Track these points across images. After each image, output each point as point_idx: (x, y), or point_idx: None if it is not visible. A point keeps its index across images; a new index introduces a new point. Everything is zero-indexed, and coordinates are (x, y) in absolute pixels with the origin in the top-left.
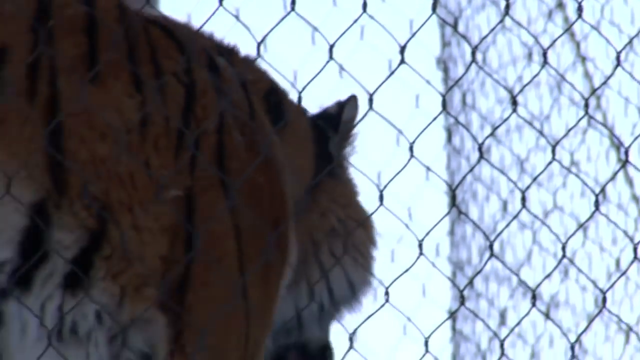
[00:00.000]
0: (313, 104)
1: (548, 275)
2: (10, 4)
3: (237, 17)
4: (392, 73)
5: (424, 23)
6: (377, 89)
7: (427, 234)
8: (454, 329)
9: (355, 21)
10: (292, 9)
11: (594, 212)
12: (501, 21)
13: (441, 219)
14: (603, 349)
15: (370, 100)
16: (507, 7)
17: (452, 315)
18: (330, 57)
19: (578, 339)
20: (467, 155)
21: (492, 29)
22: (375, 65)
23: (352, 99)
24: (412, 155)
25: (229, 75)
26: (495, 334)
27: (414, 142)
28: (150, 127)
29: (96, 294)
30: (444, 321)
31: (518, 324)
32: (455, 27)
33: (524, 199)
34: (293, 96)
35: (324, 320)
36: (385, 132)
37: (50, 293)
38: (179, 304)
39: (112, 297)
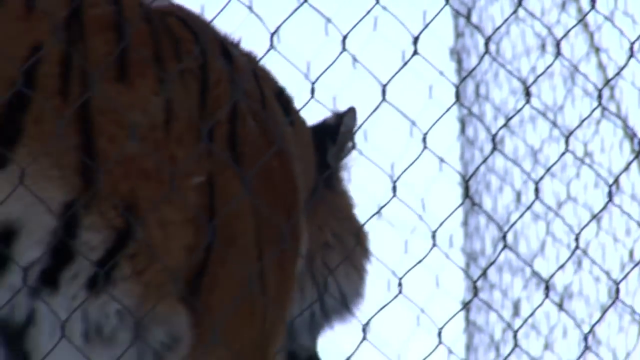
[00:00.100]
0: (326, 95)
1: (561, 266)
2: (44, 1)
3: (250, 8)
4: (405, 64)
5: (438, 14)
6: (390, 80)
7: (441, 224)
8: (467, 319)
9: (369, 12)
10: (305, 0)
11: (607, 203)
12: (515, 12)
13: (454, 210)
14: (617, 339)
15: (384, 92)
16: None
17: (466, 306)
18: (344, 48)
19: (591, 330)
20: (480, 146)
21: (506, 20)
22: (389, 56)
23: (351, 111)
24: (425, 146)
25: (242, 64)
26: (509, 325)
27: (427, 133)
28: (174, 123)
29: (120, 293)
30: (457, 312)
31: (531, 314)
32: (468, 17)
33: (537, 190)
34: (306, 87)
35: (314, 330)
36: (398, 123)
37: (75, 293)
38: (200, 289)
39: (136, 295)
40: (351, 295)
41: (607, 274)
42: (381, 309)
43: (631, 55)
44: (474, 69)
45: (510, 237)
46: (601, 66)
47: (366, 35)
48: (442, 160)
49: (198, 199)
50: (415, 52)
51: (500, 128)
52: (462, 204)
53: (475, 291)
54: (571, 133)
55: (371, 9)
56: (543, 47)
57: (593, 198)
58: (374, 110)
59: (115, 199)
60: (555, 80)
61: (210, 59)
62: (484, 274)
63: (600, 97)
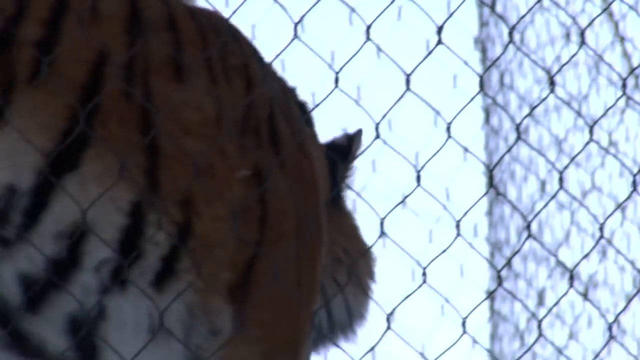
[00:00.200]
0: (350, 85)
1: (586, 256)
2: (107, 5)
3: None
4: (429, 53)
5: (462, 3)
6: (414, 69)
7: (465, 214)
8: (492, 309)
9: (393, 1)
10: None
11: (632, 192)
12: (539, 1)
13: (479, 200)
14: None
15: (408, 81)
16: None
17: (490, 295)
18: (368, 38)
19: (616, 319)
20: (505, 135)
21: (530, 9)
22: (413, 45)
23: (359, 133)
24: (449, 136)
25: (269, 68)
26: (534, 315)
27: (451, 122)
28: (223, 119)
29: (181, 288)
30: (482, 301)
31: (556, 304)
32: (493, 7)
33: (561, 179)
34: (330, 77)
35: (319, 344)
36: (422, 112)
37: (143, 289)
38: (247, 282)
39: (196, 289)
40: (357, 314)
41: (632, 263)
42: (405, 298)
43: None
44: (498, 58)
45: (534, 227)
46: (626, 55)
47: (390, 24)
48: (466, 149)
49: (247, 193)
50: (439, 42)
51: (525, 117)
52: (486, 193)
53: (500, 280)
54: (596, 122)
55: None
56: (567, 36)
57: (618, 187)
58: (398, 100)
59: (176, 195)
60: (580, 69)
61: (249, 57)
62: (508, 263)
63: (624, 86)
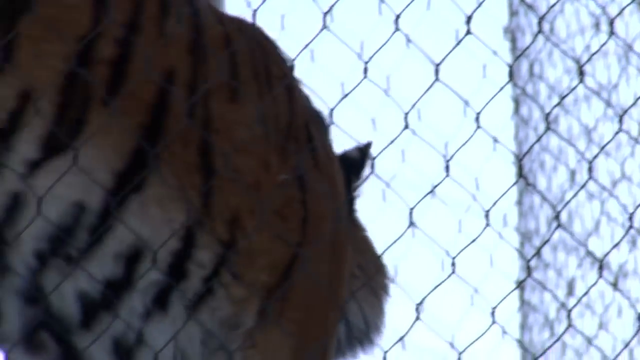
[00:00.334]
0: (379, 75)
1: (616, 245)
2: (172, 26)
3: None
4: (458, 43)
5: None
6: (443, 59)
7: (494, 204)
8: (522, 299)
9: None
10: None
11: None
12: None
13: (508, 189)
14: None
15: (437, 71)
16: None
17: (519, 285)
18: (397, 28)
19: None
20: (534, 125)
21: None
22: (442, 35)
23: (369, 146)
24: (478, 126)
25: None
26: (563, 304)
27: (480, 112)
28: (270, 134)
29: (218, 304)
30: (511, 291)
31: (586, 293)
32: None
33: (591, 169)
34: (359, 67)
35: (338, 356)
36: (451, 102)
37: (181, 312)
38: (285, 281)
39: (233, 300)
40: (374, 326)
41: None
42: (434, 288)
43: None
44: (527, 47)
45: (564, 216)
46: None
47: (419, 14)
48: (495, 139)
49: (289, 196)
50: (468, 32)
51: (554, 107)
52: (515, 183)
53: (529, 270)
54: (625, 112)
55: None
56: (597, 25)
57: None
58: (427, 90)
59: (225, 214)
60: (610, 59)
61: (288, 68)
62: (537, 253)
63: None
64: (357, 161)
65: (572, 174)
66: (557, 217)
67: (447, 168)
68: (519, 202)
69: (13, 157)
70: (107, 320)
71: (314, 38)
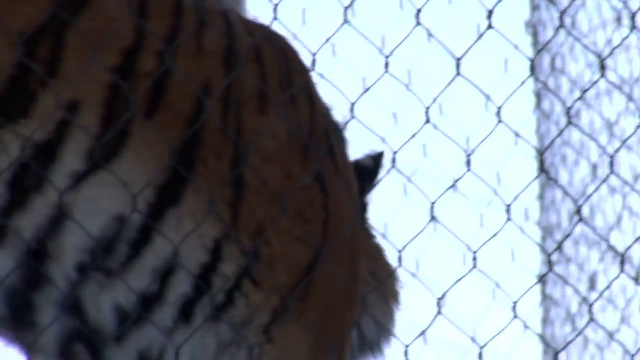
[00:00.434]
0: (400, 70)
1: (638, 239)
2: (208, 39)
3: None
4: (479, 37)
5: None
6: (465, 54)
7: (516, 198)
8: (544, 293)
9: None
10: None
11: None
12: None
13: (530, 184)
14: None
15: (458, 66)
16: None
17: (541, 280)
18: (418, 22)
19: None
20: (556, 119)
21: None
22: (463, 30)
23: (382, 155)
24: (500, 120)
25: None
26: (585, 299)
27: (501, 107)
28: (293, 142)
29: (237, 313)
30: (533, 286)
31: (607, 288)
32: None
33: (612, 164)
34: (380, 62)
35: None
36: (473, 97)
37: (201, 324)
38: (305, 282)
39: (250, 307)
40: (385, 332)
41: None
42: (456, 283)
43: None
44: (549, 42)
45: (586, 211)
46: None
47: (441, 8)
48: (517, 134)
49: (312, 200)
50: (489, 26)
51: (576, 101)
52: (537, 177)
53: (551, 265)
54: None
55: None
56: (619, 20)
57: None
58: (448, 85)
59: (251, 226)
60: (632, 53)
61: (309, 76)
62: (559, 247)
63: None
64: (370, 169)
65: (594, 168)
66: (578, 211)
67: (468, 162)
68: (541, 197)
69: (59, 169)
70: (137, 333)
71: (335, 33)
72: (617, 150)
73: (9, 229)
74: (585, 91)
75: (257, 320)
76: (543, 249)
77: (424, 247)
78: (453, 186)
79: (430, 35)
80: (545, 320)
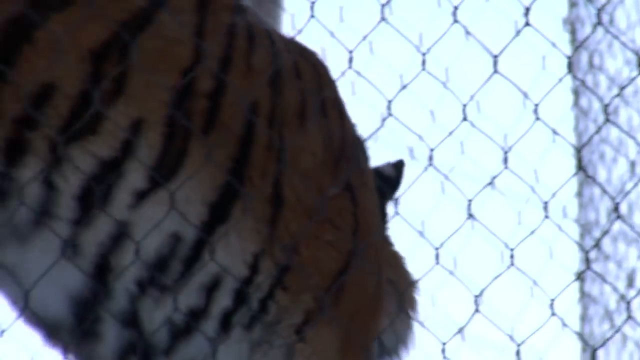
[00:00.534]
0: (437, 67)
1: None
2: (257, 58)
3: None
4: (517, 34)
5: None
6: (502, 51)
7: (553, 195)
8: (582, 291)
9: None
10: None
11: None
12: None
13: (567, 181)
14: None
15: (495, 63)
16: None
17: (579, 277)
18: (455, 20)
19: None
20: (594, 116)
21: None
22: (500, 27)
23: (402, 163)
24: (537, 118)
25: None
26: (623, 296)
27: (539, 104)
28: (327, 156)
29: (270, 319)
30: (570, 283)
31: None
32: None
33: None
34: (417, 59)
35: None
36: (510, 94)
37: (239, 333)
38: (334, 287)
39: (280, 310)
40: (403, 340)
41: None
42: (493, 280)
43: None
44: (586, 39)
45: (624, 208)
46: None
47: (478, 6)
48: (554, 131)
49: (342, 208)
50: (527, 23)
51: (614, 98)
52: (575, 174)
53: (589, 262)
54: None
55: None
56: None
57: None
58: (485, 82)
59: (285, 239)
60: None
61: (337, 89)
62: (597, 244)
63: None
64: (391, 178)
65: (632, 165)
66: (616, 208)
67: (505, 160)
68: (579, 194)
69: (123, 186)
70: (184, 346)
71: (373, 30)
72: None
73: (77, 243)
74: (622, 88)
75: (289, 320)
76: (581, 246)
77: (461, 245)
78: (490, 183)
79: (467, 32)
80: (583, 318)
